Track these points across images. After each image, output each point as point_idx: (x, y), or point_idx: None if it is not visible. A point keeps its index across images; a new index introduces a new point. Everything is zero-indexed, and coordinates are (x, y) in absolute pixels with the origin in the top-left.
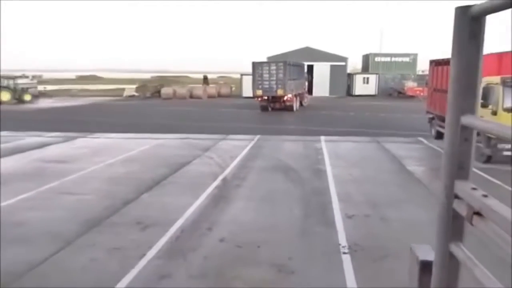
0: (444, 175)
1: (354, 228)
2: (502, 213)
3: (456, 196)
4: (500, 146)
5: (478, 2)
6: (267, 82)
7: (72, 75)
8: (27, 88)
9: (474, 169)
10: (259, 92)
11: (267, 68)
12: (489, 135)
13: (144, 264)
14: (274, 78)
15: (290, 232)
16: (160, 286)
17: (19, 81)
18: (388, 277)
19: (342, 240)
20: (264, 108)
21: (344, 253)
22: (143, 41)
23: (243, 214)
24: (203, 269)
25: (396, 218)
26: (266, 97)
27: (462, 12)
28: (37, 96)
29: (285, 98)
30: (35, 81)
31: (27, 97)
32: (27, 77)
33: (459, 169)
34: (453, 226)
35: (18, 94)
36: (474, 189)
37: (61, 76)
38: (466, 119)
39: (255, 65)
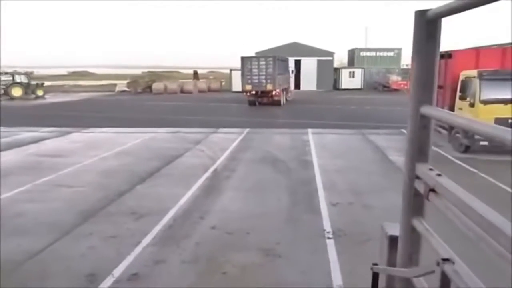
0: (406, 159)
1: (338, 215)
2: (450, 189)
3: (417, 177)
4: (477, 136)
5: (435, 6)
6: (256, 77)
7: (63, 71)
8: (42, 84)
9: (454, 159)
10: (248, 87)
11: (256, 63)
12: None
13: (140, 251)
14: (264, 73)
15: (278, 219)
16: (155, 270)
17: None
18: (368, 258)
19: (327, 226)
20: (252, 103)
21: (329, 238)
22: (134, 37)
23: (233, 203)
24: (195, 255)
25: (378, 205)
26: (254, 92)
27: (420, 16)
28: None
29: (273, 92)
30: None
31: (40, 92)
32: (19, 73)
33: (419, 153)
34: (415, 203)
35: (31, 90)
36: (431, 169)
37: (53, 72)
38: (424, 109)
39: (244, 60)
